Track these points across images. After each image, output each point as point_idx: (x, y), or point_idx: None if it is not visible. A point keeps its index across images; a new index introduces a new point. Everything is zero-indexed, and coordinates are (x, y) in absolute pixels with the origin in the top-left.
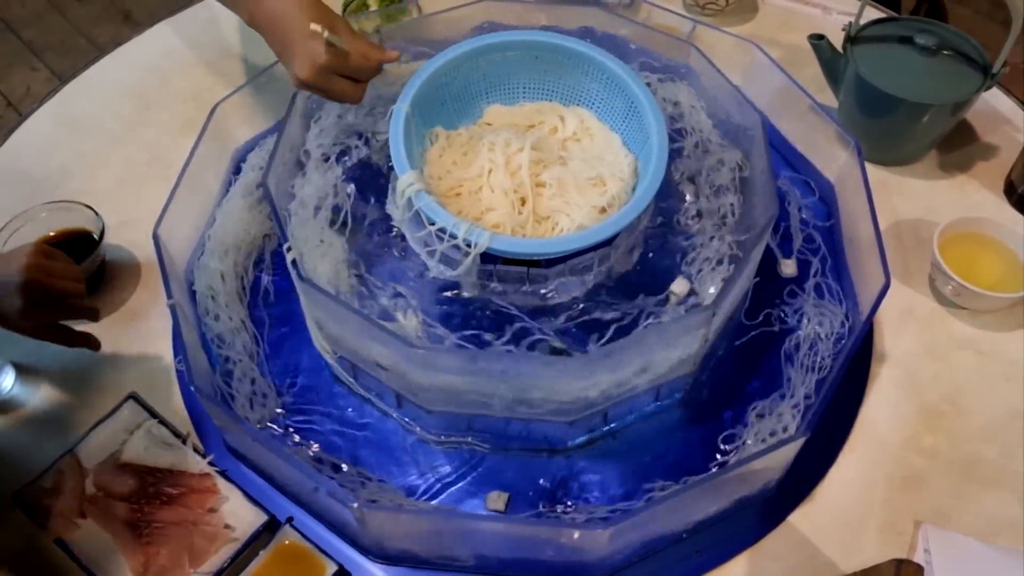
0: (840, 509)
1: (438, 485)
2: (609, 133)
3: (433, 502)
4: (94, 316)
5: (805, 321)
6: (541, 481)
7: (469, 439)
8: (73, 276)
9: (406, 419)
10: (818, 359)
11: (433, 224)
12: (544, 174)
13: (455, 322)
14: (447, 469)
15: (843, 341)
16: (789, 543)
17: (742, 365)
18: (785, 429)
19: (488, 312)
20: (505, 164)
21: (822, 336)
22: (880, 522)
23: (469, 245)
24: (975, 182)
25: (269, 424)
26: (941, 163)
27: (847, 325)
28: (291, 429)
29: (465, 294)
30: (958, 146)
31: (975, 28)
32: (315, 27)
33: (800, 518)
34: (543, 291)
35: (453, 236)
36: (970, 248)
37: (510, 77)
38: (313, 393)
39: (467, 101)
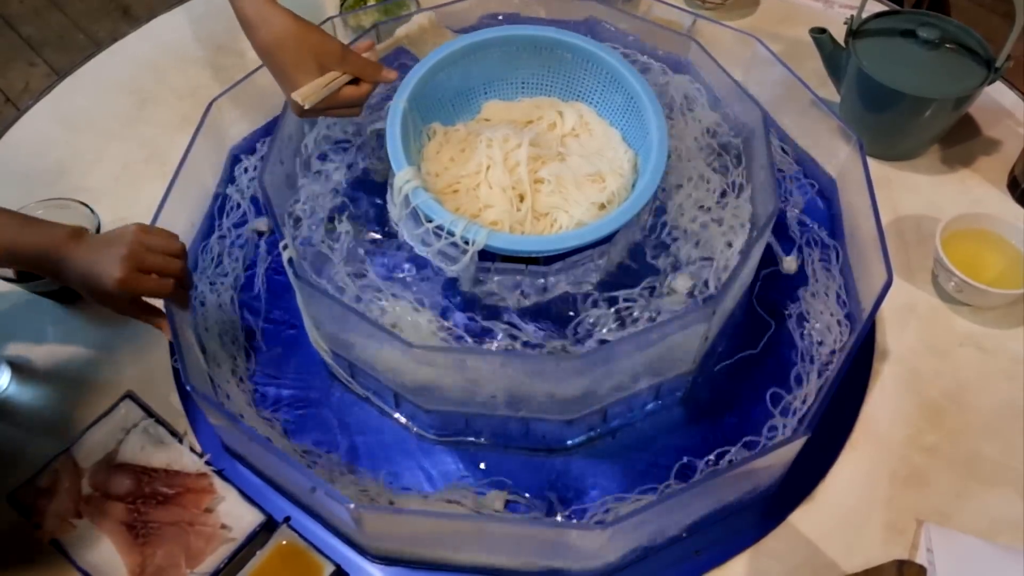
0: (842, 508)
1: (436, 484)
2: (608, 128)
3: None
4: (183, 303)
5: (806, 318)
6: (540, 480)
7: (467, 438)
8: (172, 252)
9: (404, 418)
10: (819, 356)
11: (431, 221)
12: (543, 170)
13: (453, 320)
14: (445, 468)
15: (844, 338)
16: (790, 543)
17: (742, 363)
18: (786, 427)
19: (486, 310)
20: (503, 160)
21: (823, 333)
22: (882, 521)
23: (467, 242)
24: (978, 177)
25: (265, 423)
26: (944, 158)
27: (849, 322)
28: (288, 428)
29: (463, 291)
30: (961, 141)
31: (978, 21)
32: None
33: (801, 517)
34: (542, 288)
35: (451, 233)
36: (973, 244)
37: (508, 72)
38: (311, 392)
39: (465, 97)
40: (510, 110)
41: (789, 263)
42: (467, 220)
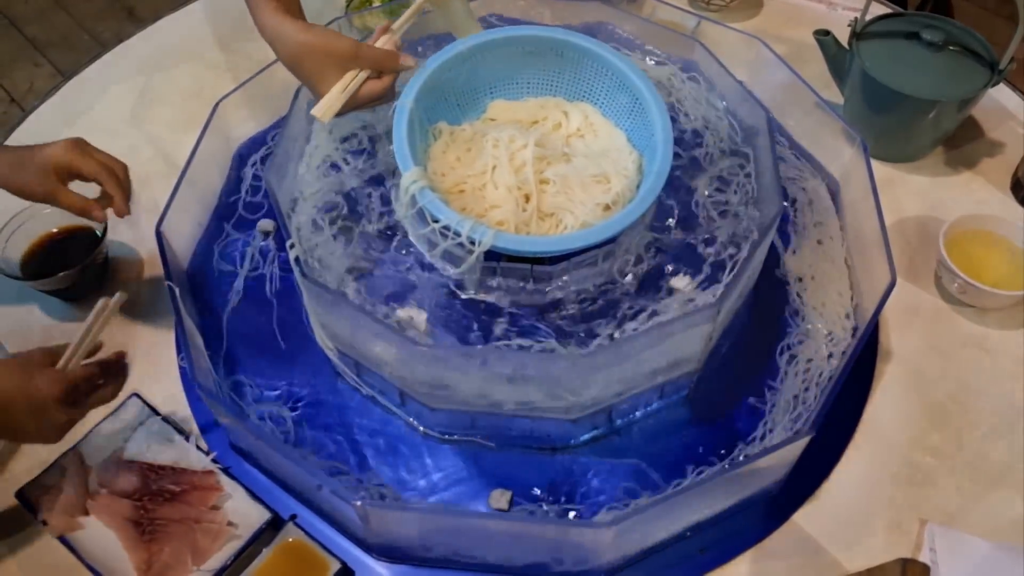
0: (845, 508)
1: (441, 483)
2: (613, 129)
3: (436, 500)
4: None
5: (810, 318)
6: (545, 479)
7: (473, 437)
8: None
9: (409, 416)
10: (823, 357)
11: (437, 221)
12: (548, 171)
13: (458, 319)
14: (450, 466)
15: (848, 339)
16: (793, 542)
17: (746, 363)
18: (790, 427)
19: (491, 309)
20: (509, 161)
21: (827, 334)
22: (886, 521)
23: (473, 242)
24: (981, 179)
25: (272, 421)
26: (947, 160)
27: (852, 323)
28: (294, 426)
29: (468, 291)
30: (964, 143)
31: (982, 23)
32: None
33: (805, 517)
34: (547, 288)
35: (457, 234)
36: (976, 245)
37: (514, 72)
38: (316, 390)
39: (471, 96)
40: (515, 110)
41: (793, 264)
42: (473, 220)
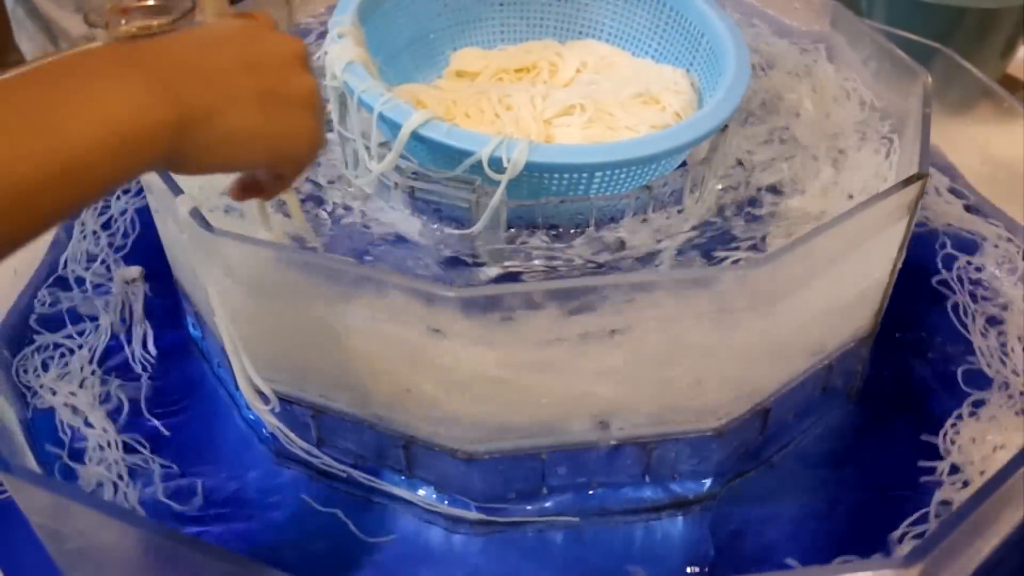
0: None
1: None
2: (636, 60)
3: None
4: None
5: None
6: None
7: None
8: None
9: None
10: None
11: (461, 158)
12: (572, 94)
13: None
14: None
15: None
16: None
17: None
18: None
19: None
20: (516, 124)
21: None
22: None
23: (499, 170)
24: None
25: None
26: None
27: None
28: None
29: (489, 263)
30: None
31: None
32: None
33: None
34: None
35: (466, 182)
36: None
37: (481, 12)
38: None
39: (423, 47)
40: (490, 60)
41: None
42: (499, 137)
